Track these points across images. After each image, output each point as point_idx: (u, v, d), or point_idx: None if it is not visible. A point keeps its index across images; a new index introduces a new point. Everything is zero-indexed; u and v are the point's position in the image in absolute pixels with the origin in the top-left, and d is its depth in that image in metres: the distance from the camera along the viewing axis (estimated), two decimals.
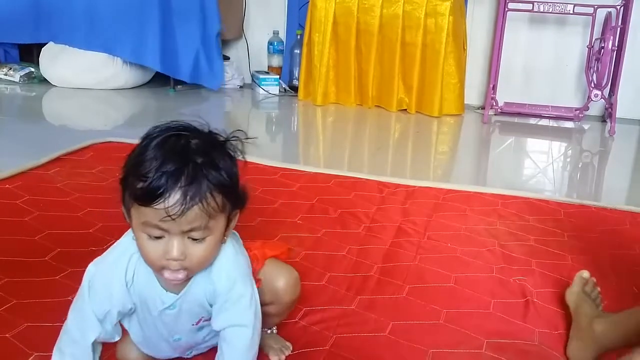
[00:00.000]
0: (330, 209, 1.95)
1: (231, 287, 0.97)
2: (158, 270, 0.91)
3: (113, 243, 0.99)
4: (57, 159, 2.20)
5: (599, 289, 1.41)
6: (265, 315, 1.05)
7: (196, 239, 0.89)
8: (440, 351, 1.23)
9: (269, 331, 1.16)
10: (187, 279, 0.95)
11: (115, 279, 0.94)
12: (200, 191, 0.85)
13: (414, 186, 2.21)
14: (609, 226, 1.97)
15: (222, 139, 0.93)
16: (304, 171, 2.31)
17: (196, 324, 1.02)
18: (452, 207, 2.05)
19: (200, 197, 0.86)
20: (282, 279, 1.07)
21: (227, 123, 3.47)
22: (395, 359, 1.20)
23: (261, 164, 2.31)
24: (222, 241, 0.95)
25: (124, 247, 0.96)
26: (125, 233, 0.98)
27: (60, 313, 1.21)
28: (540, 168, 2.81)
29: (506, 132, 3.48)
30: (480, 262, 1.66)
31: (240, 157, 0.93)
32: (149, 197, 0.84)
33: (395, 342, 1.25)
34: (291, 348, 1.19)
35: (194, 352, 1.11)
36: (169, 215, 0.84)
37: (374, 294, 1.44)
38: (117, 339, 0.99)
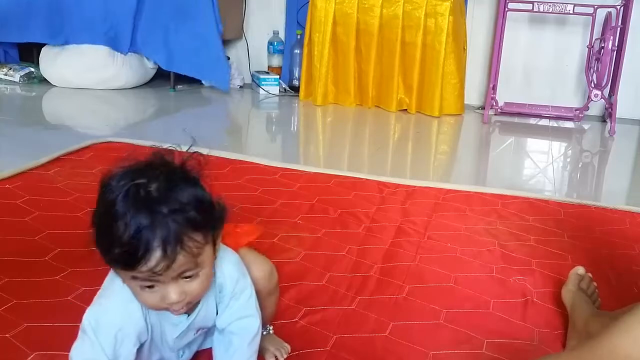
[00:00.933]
0: (330, 209, 1.95)
1: (234, 285, 0.99)
2: (159, 310, 0.92)
3: None
4: (57, 159, 2.19)
5: (595, 284, 1.41)
6: None
7: (190, 276, 0.88)
8: (440, 352, 1.23)
9: (264, 332, 1.14)
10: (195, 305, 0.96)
11: (132, 310, 0.92)
12: (177, 240, 0.83)
13: (414, 186, 2.21)
14: (609, 226, 1.97)
15: (177, 165, 0.88)
16: (304, 171, 2.30)
17: (196, 332, 1.02)
18: (452, 207, 2.04)
19: (181, 245, 0.83)
20: (255, 271, 1.05)
21: (227, 123, 3.48)
22: (395, 359, 1.20)
23: (261, 164, 2.31)
24: (214, 259, 0.94)
25: (122, 290, 0.91)
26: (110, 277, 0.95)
27: (60, 313, 1.22)
28: (540, 168, 2.81)
29: (506, 132, 3.48)
30: (480, 262, 1.66)
31: (200, 178, 0.89)
32: (130, 263, 0.83)
33: (395, 342, 1.25)
34: (289, 349, 1.17)
35: (187, 354, 1.09)
36: (155, 273, 0.83)
37: (374, 294, 1.44)
38: None
